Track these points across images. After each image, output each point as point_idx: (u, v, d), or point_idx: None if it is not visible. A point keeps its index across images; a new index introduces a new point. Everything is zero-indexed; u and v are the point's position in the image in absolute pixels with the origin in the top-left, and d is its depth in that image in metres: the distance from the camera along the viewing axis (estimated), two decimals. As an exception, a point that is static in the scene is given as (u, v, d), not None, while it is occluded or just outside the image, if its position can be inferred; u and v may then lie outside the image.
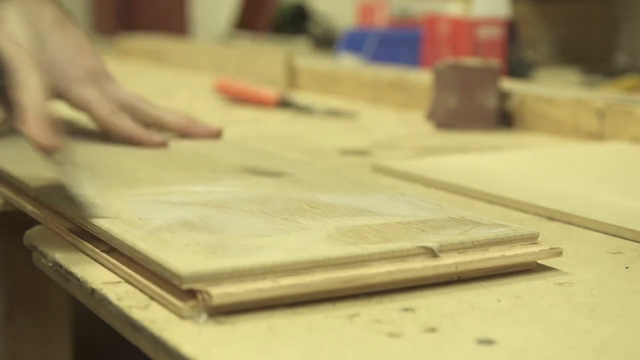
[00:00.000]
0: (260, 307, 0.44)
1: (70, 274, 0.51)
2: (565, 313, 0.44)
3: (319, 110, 1.13)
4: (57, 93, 0.83)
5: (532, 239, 0.51)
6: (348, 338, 0.41)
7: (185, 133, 0.86)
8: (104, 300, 0.47)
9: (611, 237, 0.58)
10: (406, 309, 0.45)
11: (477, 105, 1.01)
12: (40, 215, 0.60)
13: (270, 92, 1.20)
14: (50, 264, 0.54)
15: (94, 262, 0.52)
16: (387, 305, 0.45)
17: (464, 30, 1.26)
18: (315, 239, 0.49)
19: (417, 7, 1.54)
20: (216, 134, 0.86)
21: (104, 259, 0.51)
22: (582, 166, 0.79)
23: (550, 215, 0.63)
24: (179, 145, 0.81)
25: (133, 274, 0.48)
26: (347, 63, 1.50)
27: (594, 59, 1.68)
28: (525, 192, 0.67)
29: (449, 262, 0.48)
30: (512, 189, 0.68)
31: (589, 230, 0.60)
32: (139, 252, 0.47)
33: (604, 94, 1.01)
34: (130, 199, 0.58)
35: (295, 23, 2.29)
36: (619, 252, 0.55)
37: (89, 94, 0.82)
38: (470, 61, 1.04)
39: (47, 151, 0.57)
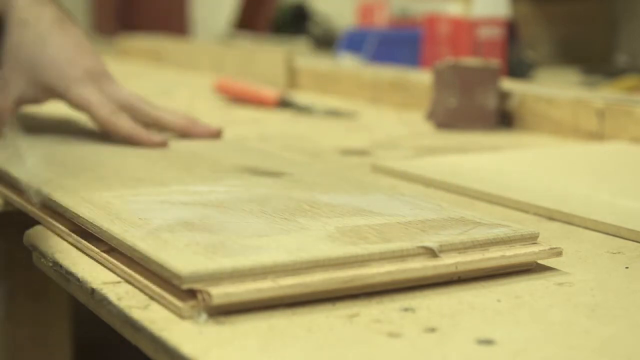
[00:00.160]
0: (260, 307, 0.44)
1: (70, 274, 0.51)
2: (565, 313, 0.44)
3: (319, 110, 1.13)
4: (57, 93, 0.83)
5: (532, 239, 0.51)
6: (348, 338, 0.41)
7: (185, 133, 0.86)
8: (104, 300, 0.47)
9: (611, 237, 0.58)
10: (406, 309, 0.45)
11: (477, 105, 1.01)
12: (40, 215, 0.60)
13: (270, 92, 1.20)
14: (50, 264, 0.54)
15: (94, 262, 0.52)
16: (387, 305, 0.45)
17: (464, 30, 1.26)
18: (315, 239, 0.49)
19: (417, 7, 1.54)
20: (216, 134, 0.86)
21: (104, 259, 0.51)
22: (582, 166, 0.79)
23: (550, 215, 0.63)
24: (179, 145, 0.81)
25: (133, 274, 0.48)
26: (347, 63, 1.50)
27: (594, 59, 1.68)
28: (525, 192, 0.67)
29: (449, 262, 0.48)
30: (512, 189, 0.68)
31: (588, 230, 0.60)
32: (139, 252, 0.47)
33: (604, 94, 1.01)
34: (130, 199, 0.58)
35: (295, 23, 2.29)
36: (619, 252, 0.55)
37: (89, 94, 0.82)
38: (470, 61, 1.04)
39: None
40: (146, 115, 0.85)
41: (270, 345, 0.40)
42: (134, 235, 0.50)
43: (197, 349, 0.40)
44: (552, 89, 1.03)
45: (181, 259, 0.45)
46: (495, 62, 1.04)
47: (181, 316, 0.43)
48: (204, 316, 0.43)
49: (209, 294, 0.43)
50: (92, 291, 0.48)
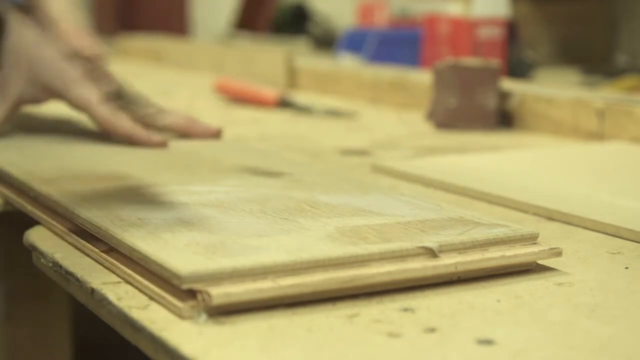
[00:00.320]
0: (260, 307, 0.44)
1: (70, 274, 0.51)
2: (565, 313, 0.44)
3: (319, 110, 1.13)
4: (57, 93, 0.83)
5: (531, 239, 0.51)
6: (348, 338, 0.41)
7: (185, 133, 0.86)
8: (103, 300, 0.47)
9: (611, 237, 0.58)
10: (406, 309, 0.45)
11: (477, 105, 1.01)
12: (40, 215, 0.60)
13: (270, 92, 1.20)
14: (50, 264, 0.54)
15: (94, 262, 0.52)
16: (387, 305, 0.45)
17: (464, 30, 1.26)
18: (315, 239, 0.49)
19: (417, 7, 1.54)
20: (216, 134, 0.86)
21: (104, 259, 0.51)
22: (582, 166, 0.79)
23: (550, 216, 0.63)
24: (179, 145, 0.81)
25: (133, 274, 0.48)
26: (347, 63, 1.50)
27: (594, 59, 1.68)
28: (525, 192, 0.67)
29: (448, 262, 0.48)
30: (512, 189, 0.68)
31: (588, 230, 0.60)
32: (138, 252, 0.47)
33: (604, 94, 1.01)
34: (131, 199, 0.58)
35: (295, 23, 2.29)
36: (618, 252, 0.55)
37: (88, 94, 0.82)
38: (470, 61, 1.04)
39: (93, 59, 0.56)
40: (146, 115, 0.85)
41: (270, 345, 0.40)
42: (134, 235, 0.50)
43: (197, 349, 0.40)
44: (552, 89, 1.03)
45: (181, 259, 0.45)
46: (495, 62, 1.04)
47: (181, 316, 0.43)
48: (204, 316, 0.43)
49: (209, 294, 0.43)
50: (92, 291, 0.48)
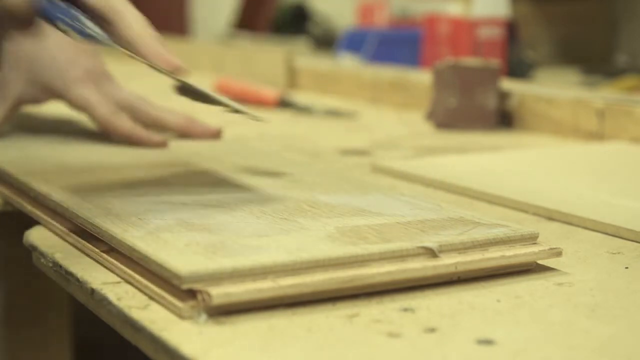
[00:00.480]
0: (260, 307, 0.44)
1: (70, 274, 0.51)
2: (565, 313, 0.44)
3: (319, 110, 1.13)
4: (57, 93, 0.83)
5: (531, 239, 0.51)
6: (348, 338, 0.41)
7: (185, 133, 0.86)
8: (103, 300, 0.47)
9: (611, 237, 0.58)
10: (406, 309, 0.45)
11: (477, 105, 1.01)
12: (40, 215, 0.60)
13: (270, 92, 1.20)
14: (50, 264, 0.54)
15: (94, 262, 0.52)
16: (387, 305, 0.45)
17: (464, 30, 1.26)
18: (315, 239, 0.49)
19: (417, 7, 1.54)
20: (216, 134, 0.86)
21: (104, 259, 0.51)
22: (582, 166, 0.79)
23: (550, 216, 0.63)
24: (179, 145, 0.81)
25: (133, 274, 0.48)
26: (347, 63, 1.50)
27: (594, 59, 1.68)
28: (525, 192, 0.67)
29: (448, 262, 0.48)
30: (512, 189, 0.68)
31: (588, 230, 0.60)
32: (138, 252, 0.47)
33: (604, 94, 1.01)
34: (131, 199, 0.58)
35: (295, 23, 2.29)
36: (618, 252, 0.55)
37: (88, 94, 0.82)
38: (470, 61, 1.04)
39: (178, 72, 0.58)
40: (146, 115, 0.85)
41: (270, 345, 0.40)
42: (134, 235, 0.50)
43: (197, 349, 0.40)
44: (552, 89, 1.03)
45: (181, 259, 0.45)
46: (495, 62, 1.04)
47: (181, 316, 0.43)
48: (204, 316, 0.43)
49: (208, 294, 0.43)
50: (92, 291, 0.48)
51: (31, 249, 0.57)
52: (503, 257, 0.50)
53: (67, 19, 0.58)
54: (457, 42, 1.27)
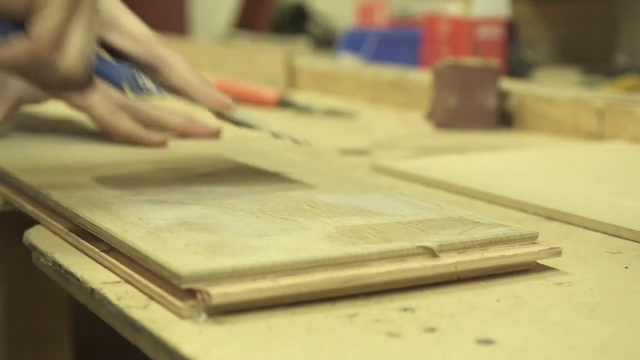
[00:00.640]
0: (260, 307, 0.44)
1: (70, 274, 0.51)
2: (565, 313, 0.44)
3: (319, 110, 1.13)
4: (57, 93, 0.83)
5: (531, 239, 0.51)
6: (348, 338, 0.41)
7: (185, 133, 0.86)
8: (103, 300, 0.47)
9: (611, 237, 0.58)
10: (406, 309, 0.45)
11: (477, 105, 1.01)
12: (40, 215, 0.60)
13: (270, 92, 1.20)
14: (50, 264, 0.54)
15: (94, 262, 0.52)
16: (387, 305, 0.45)
17: (464, 30, 1.26)
18: (315, 239, 0.49)
19: (417, 7, 1.54)
20: (216, 134, 0.86)
21: (104, 259, 0.51)
22: (582, 166, 0.79)
23: (550, 215, 0.63)
24: (179, 145, 0.81)
25: (133, 274, 0.48)
26: (347, 63, 1.50)
27: (594, 59, 1.68)
28: (525, 192, 0.67)
29: (448, 262, 0.48)
30: (512, 189, 0.68)
31: (588, 230, 0.60)
32: (138, 252, 0.47)
33: (604, 94, 1.01)
34: (130, 199, 0.58)
35: (295, 23, 2.29)
36: (618, 252, 0.55)
37: (88, 94, 0.82)
38: (470, 61, 1.04)
39: (229, 110, 0.60)
40: (146, 115, 0.85)
41: (270, 345, 0.40)
42: (134, 235, 0.50)
43: (197, 349, 0.40)
44: (552, 89, 1.03)
45: (181, 259, 0.45)
46: (495, 62, 1.04)
47: (181, 316, 0.43)
48: (203, 316, 0.43)
49: (208, 294, 0.43)
50: (92, 291, 0.48)
51: (31, 249, 0.57)
52: (503, 257, 0.50)
53: (122, 77, 0.59)
54: (457, 42, 1.27)
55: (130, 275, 0.48)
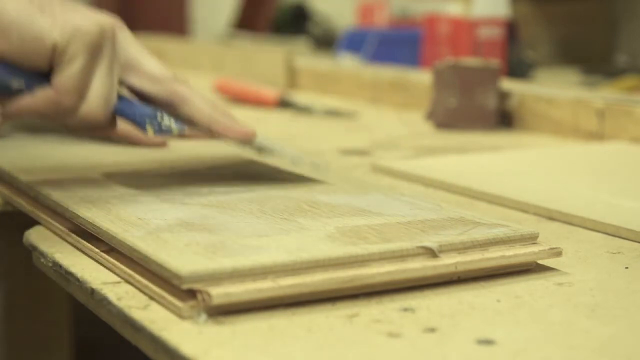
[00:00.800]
0: (260, 307, 0.44)
1: (70, 274, 0.51)
2: (565, 313, 0.44)
3: (319, 110, 1.13)
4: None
5: (531, 239, 0.51)
6: (348, 338, 0.41)
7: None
8: (103, 300, 0.47)
9: (611, 237, 0.58)
10: (406, 309, 0.45)
11: (477, 105, 1.01)
12: (40, 215, 0.60)
13: (270, 92, 1.20)
14: (50, 264, 0.54)
15: (94, 262, 0.52)
16: (387, 305, 0.45)
17: (464, 30, 1.26)
18: (315, 239, 0.49)
19: (417, 7, 1.54)
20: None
21: (104, 259, 0.51)
22: (582, 166, 0.79)
23: (550, 215, 0.63)
24: (178, 145, 0.81)
25: (133, 274, 0.48)
26: (347, 63, 1.50)
27: (594, 59, 1.68)
28: (525, 192, 0.67)
29: (448, 262, 0.48)
30: (512, 189, 0.68)
31: (588, 230, 0.60)
32: (138, 252, 0.47)
33: (604, 94, 1.01)
34: (130, 199, 0.58)
35: (295, 23, 2.29)
36: (618, 252, 0.55)
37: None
38: (470, 61, 1.04)
39: (251, 140, 0.61)
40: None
41: (270, 345, 0.40)
42: (134, 235, 0.50)
43: (197, 349, 0.40)
44: (552, 89, 1.03)
45: (181, 259, 0.45)
46: (495, 62, 1.04)
47: (181, 316, 0.43)
48: (203, 316, 0.43)
49: (208, 294, 0.43)
50: (92, 291, 0.48)
51: (31, 249, 0.57)
52: (503, 257, 0.50)
53: (144, 117, 0.59)
54: (457, 42, 1.27)
55: (130, 275, 0.48)
